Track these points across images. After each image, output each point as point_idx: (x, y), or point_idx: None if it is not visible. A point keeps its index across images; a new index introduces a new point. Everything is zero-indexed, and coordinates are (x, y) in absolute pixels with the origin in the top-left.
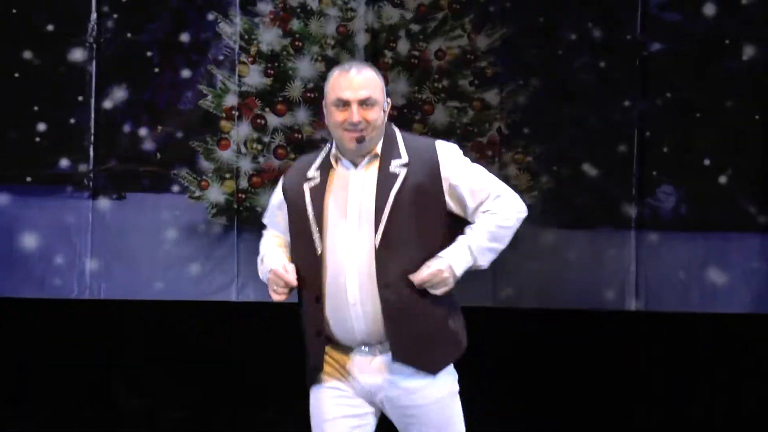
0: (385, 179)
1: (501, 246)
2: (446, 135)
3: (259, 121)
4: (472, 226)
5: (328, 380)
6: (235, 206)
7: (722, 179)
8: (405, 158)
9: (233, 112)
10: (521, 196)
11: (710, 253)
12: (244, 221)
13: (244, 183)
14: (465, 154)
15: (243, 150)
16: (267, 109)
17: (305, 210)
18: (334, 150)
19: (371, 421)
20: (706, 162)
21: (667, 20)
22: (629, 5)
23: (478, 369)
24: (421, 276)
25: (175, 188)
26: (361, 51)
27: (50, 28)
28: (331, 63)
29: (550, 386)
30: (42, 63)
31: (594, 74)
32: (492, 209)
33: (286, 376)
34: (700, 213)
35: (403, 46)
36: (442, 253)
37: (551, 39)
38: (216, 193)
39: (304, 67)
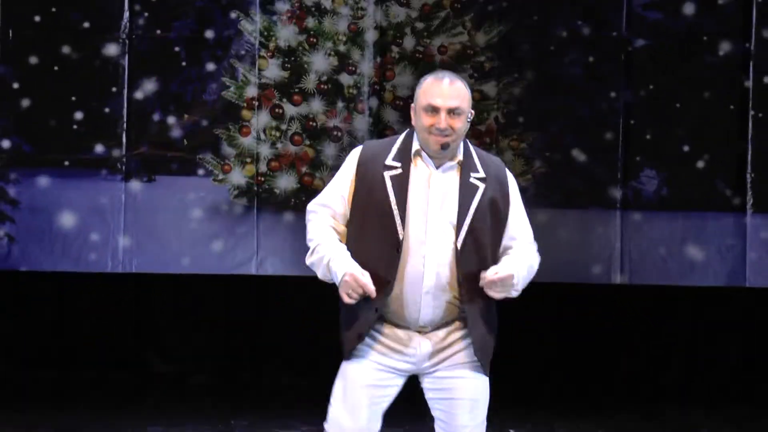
0: (466, 189)
1: (522, 285)
2: None
3: (277, 110)
4: (513, 256)
5: (365, 352)
6: (255, 188)
7: (700, 164)
8: (482, 173)
9: (253, 102)
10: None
11: (688, 232)
12: (263, 202)
13: (263, 167)
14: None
15: (262, 137)
16: (284, 100)
17: (386, 197)
18: (417, 146)
19: (393, 393)
20: (685, 148)
21: (649, 19)
22: (615, 5)
23: None
24: (498, 275)
25: (201, 172)
26: (370, 47)
27: (86, 25)
28: (343, 58)
29: (543, 351)
30: (79, 57)
31: (583, 68)
32: (527, 251)
33: (300, 341)
34: (679, 195)
35: (408, 42)
36: (507, 263)
37: (544, 36)
38: (238, 177)
39: (318, 61)
